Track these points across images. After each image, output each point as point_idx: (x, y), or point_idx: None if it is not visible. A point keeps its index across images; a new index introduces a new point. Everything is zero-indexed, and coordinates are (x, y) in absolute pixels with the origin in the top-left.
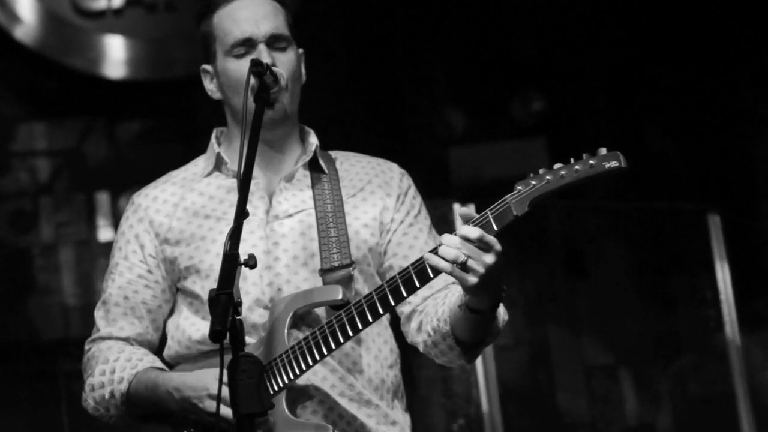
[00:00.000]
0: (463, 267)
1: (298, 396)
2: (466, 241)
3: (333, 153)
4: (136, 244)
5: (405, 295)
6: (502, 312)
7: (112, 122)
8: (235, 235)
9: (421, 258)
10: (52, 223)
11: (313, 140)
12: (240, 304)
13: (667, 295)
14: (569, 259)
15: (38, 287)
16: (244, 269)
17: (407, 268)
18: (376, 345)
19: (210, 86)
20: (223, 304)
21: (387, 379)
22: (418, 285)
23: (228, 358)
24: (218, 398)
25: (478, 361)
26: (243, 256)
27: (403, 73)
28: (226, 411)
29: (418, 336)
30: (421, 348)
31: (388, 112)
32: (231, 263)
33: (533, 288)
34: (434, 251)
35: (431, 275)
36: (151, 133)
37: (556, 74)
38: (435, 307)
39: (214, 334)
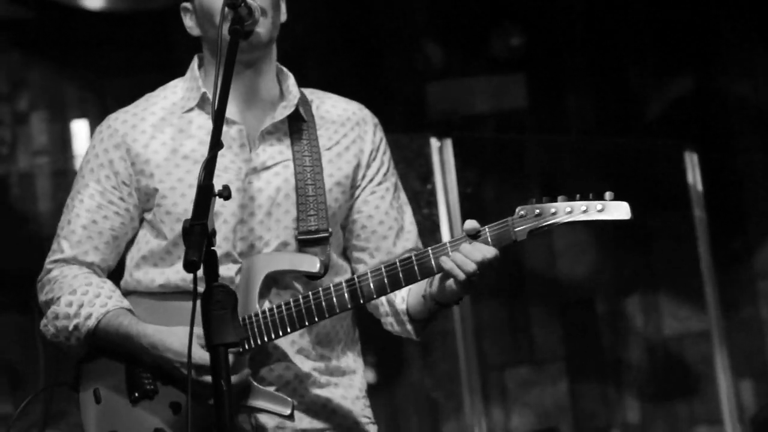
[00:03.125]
0: (468, 278)
1: (257, 353)
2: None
3: (308, 93)
4: (109, 170)
5: (389, 290)
6: None
7: (90, 52)
8: (209, 166)
9: (410, 257)
10: (29, 152)
11: (294, 89)
12: (214, 234)
13: (643, 231)
14: (546, 194)
15: (15, 217)
16: (218, 220)
17: (394, 263)
18: None
19: (189, 23)
20: (198, 234)
21: (340, 330)
22: (419, 277)
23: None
24: (191, 332)
25: None
26: (217, 187)
27: (382, 7)
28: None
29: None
30: (369, 307)
31: (366, 46)
32: (205, 194)
33: None
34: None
35: (419, 277)
36: (129, 63)
37: (535, 9)
38: None
39: (189, 265)
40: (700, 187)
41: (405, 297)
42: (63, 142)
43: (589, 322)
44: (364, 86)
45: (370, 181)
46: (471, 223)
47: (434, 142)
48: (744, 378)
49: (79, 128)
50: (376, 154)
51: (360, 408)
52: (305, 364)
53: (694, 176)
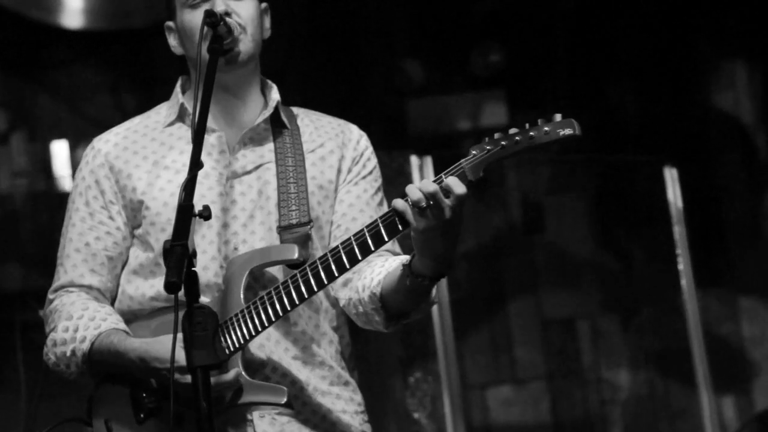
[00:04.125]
0: (421, 211)
1: (252, 362)
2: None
3: (295, 109)
4: (96, 190)
5: (360, 257)
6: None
7: (70, 72)
8: (189, 186)
9: (375, 221)
10: (8, 173)
11: (275, 95)
12: (195, 255)
13: (624, 248)
14: (527, 211)
15: None
16: (202, 227)
17: (361, 230)
18: (323, 305)
19: (173, 42)
20: (178, 255)
21: (335, 340)
22: (372, 248)
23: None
24: (172, 354)
25: (435, 314)
26: (197, 207)
27: (362, 25)
28: (188, 379)
29: (341, 291)
30: (341, 303)
31: (346, 64)
32: (185, 214)
33: (491, 240)
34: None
35: (386, 238)
36: (108, 83)
37: (515, 26)
38: (371, 267)
39: (169, 286)
40: (680, 203)
41: (381, 281)
42: (43, 163)
43: (571, 340)
44: (344, 104)
45: (349, 182)
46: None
47: (414, 160)
48: (726, 395)
49: (59, 148)
50: (359, 160)
51: (359, 423)
52: (302, 372)
53: (674, 192)
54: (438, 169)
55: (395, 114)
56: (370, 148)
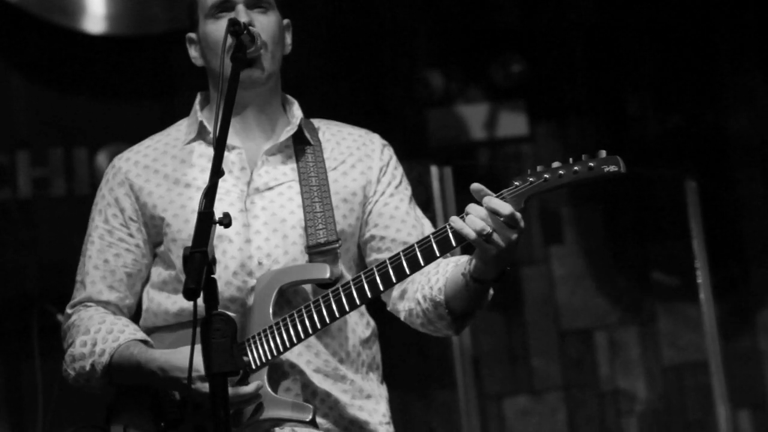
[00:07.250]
0: (487, 239)
1: (273, 372)
2: (494, 213)
3: (316, 122)
4: (116, 208)
5: (408, 272)
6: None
7: (91, 77)
8: (210, 194)
9: (427, 237)
10: (29, 178)
11: (298, 112)
12: (214, 262)
13: (642, 260)
14: (546, 223)
15: (14, 242)
16: (223, 242)
17: (411, 245)
18: (352, 318)
19: (194, 54)
20: (198, 262)
21: (363, 352)
22: (422, 264)
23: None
24: (190, 362)
25: None
26: (218, 215)
27: (383, 35)
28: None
29: (400, 303)
30: (402, 316)
31: (366, 74)
32: (205, 221)
33: None
34: (460, 218)
35: (437, 254)
36: (129, 89)
37: (536, 37)
38: (427, 276)
39: (188, 292)
40: (699, 216)
41: (442, 288)
42: (63, 168)
43: (588, 351)
44: (364, 114)
45: (382, 194)
46: (477, 185)
47: (434, 170)
48: (742, 408)
49: (80, 154)
50: (386, 170)
51: None
52: (325, 383)
53: (694, 206)
54: (458, 180)
55: (415, 124)
56: (394, 157)
